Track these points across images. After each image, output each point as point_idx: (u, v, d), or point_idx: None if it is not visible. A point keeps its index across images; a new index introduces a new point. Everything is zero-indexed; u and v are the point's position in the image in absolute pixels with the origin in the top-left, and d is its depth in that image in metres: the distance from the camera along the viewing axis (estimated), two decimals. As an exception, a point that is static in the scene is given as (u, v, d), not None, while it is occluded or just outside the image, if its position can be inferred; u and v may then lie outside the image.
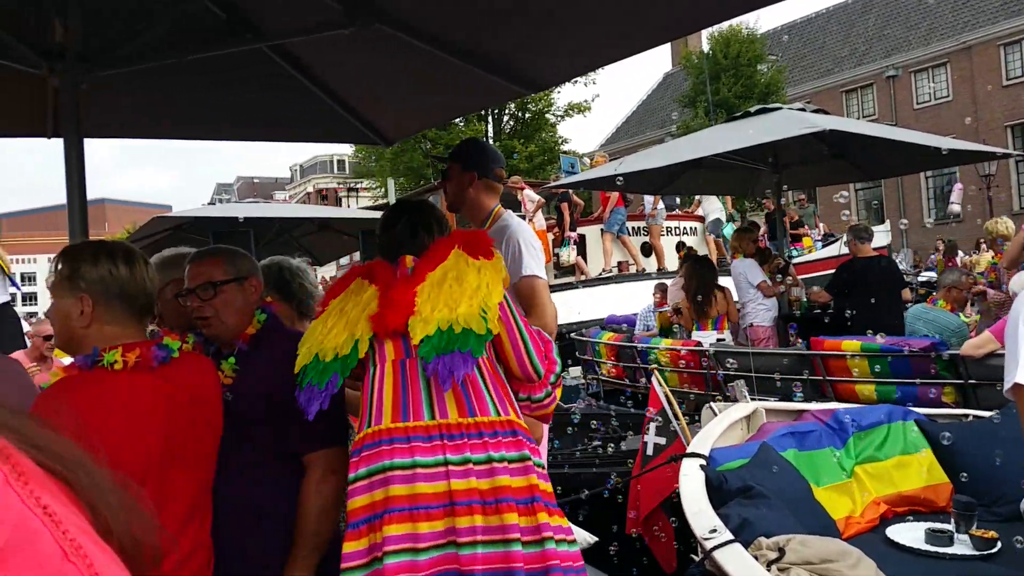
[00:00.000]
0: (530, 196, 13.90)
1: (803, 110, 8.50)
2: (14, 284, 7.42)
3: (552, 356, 2.82)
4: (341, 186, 63.92)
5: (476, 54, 3.57)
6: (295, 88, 4.25)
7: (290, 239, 10.52)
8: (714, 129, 9.81)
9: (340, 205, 54.57)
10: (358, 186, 51.82)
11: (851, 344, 6.51)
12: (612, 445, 6.38)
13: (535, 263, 3.45)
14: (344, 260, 18.04)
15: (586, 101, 30.40)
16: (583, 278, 14.47)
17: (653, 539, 4.92)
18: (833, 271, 8.59)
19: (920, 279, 17.59)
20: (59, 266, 2.35)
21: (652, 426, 5.09)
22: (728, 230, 14.84)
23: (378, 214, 12.21)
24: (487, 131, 29.40)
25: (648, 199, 14.73)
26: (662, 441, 5.03)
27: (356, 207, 38.35)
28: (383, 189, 37.93)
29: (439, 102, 4.70)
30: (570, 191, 14.43)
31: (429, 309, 2.51)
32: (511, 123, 30.87)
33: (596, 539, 4.39)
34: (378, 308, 2.61)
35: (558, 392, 2.90)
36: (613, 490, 5.14)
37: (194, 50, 3.33)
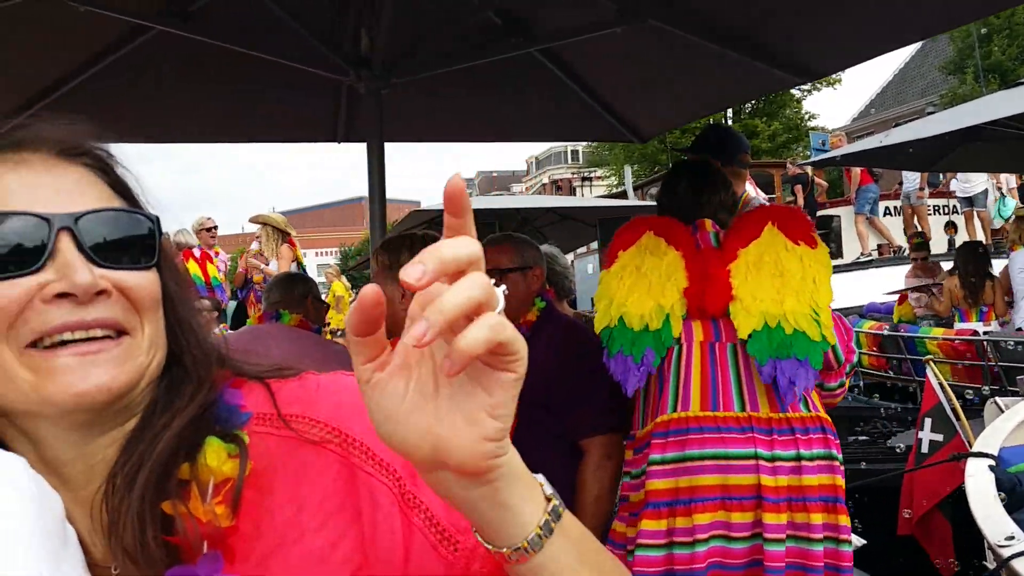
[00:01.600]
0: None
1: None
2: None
3: (851, 345, 2.69)
4: (575, 176, 64.79)
5: (750, 43, 3.50)
6: (555, 87, 4.41)
7: (531, 229, 10.93)
8: (990, 97, 8.77)
9: (574, 195, 55.34)
10: (592, 175, 52.20)
11: None
12: (880, 441, 6.00)
13: None
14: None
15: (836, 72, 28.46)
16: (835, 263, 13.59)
17: (928, 540, 4.59)
18: None
19: None
20: (380, 258, 2.68)
21: (927, 421, 4.74)
22: (1006, 208, 13.20)
23: (616, 202, 12.26)
24: (726, 112, 28.45)
25: (911, 176, 13.50)
26: (939, 438, 4.67)
27: (590, 196, 38.78)
28: (617, 178, 38.08)
29: (701, 95, 4.64)
30: (809, 171, 13.61)
31: (749, 297, 2.42)
32: (752, 101, 29.56)
33: (864, 541, 4.19)
34: (689, 282, 2.53)
35: (848, 382, 2.78)
36: (880, 489, 4.85)
37: (474, 56, 3.57)
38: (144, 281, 0.86)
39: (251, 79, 4.04)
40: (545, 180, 73.93)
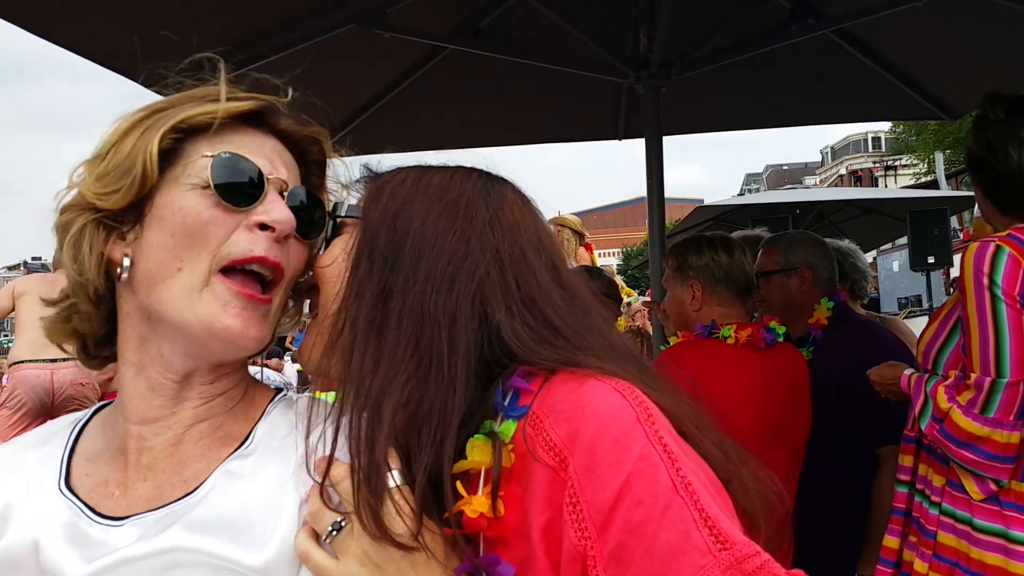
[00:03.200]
0: None
1: None
2: None
3: None
4: (877, 165, 59.71)
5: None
6: (849, 66, 4.12)
7: (829, 224, 10.22)
8: None
9: (876, 186, 51.07)
10: (896, 164, 47.84)
11: None
12: None
13: None
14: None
15: None
16: None
17: None
18: None
19: None
20: (669, 260, 2.71)
21: None
22: None
23: (927, 193, 11.02)
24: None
25: None
26: None
27: (895, 187, 35.52)
28: (926, 165, 34.45)
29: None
30: None
31: None
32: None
33: None
34: None
35: None
36: None
37: (762, 44, 3.45)
38: (302, 254, 1.08)
39: (536, 84, 4.23)
40: (842, 171, 69.10)
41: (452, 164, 1.12)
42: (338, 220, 1.11)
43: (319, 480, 0.93)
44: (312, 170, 1.15)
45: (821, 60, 4.07)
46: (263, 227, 1.00)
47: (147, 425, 1.02)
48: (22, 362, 5.74)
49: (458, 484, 0.91)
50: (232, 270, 0.99)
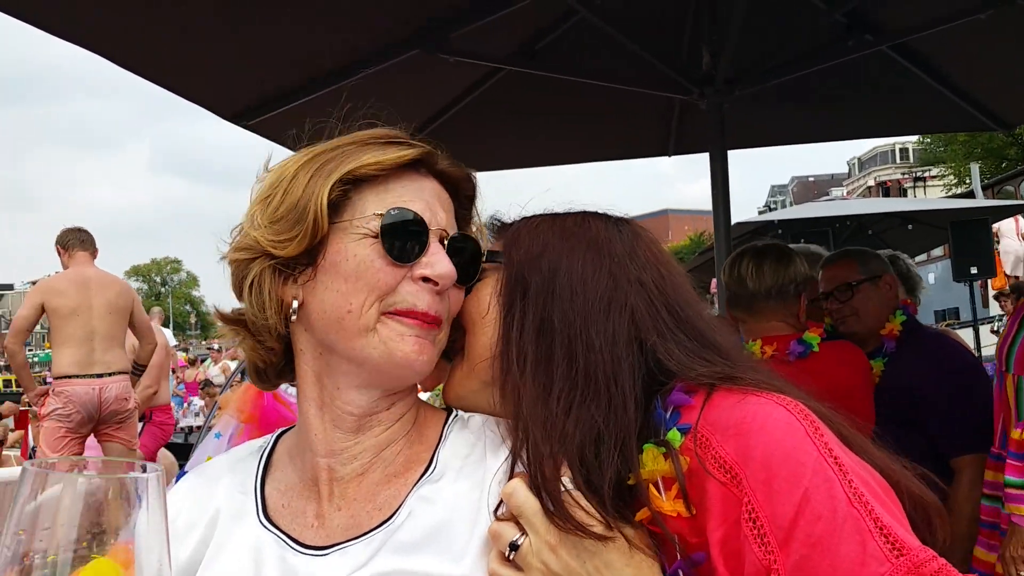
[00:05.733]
0: None
1: None
2: None
3: None
4: (905, 177, 59.14)
5: None
6: (901, 78, 4.14)
7: (870, 236, 10.15)
8: None
9: (904, 197, 50.54)
10: (926, 175, 47.38)
11: None
12: None
13: None
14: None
15: None
16: None
17: None
18: None
19: None
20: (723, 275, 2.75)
21: None
22: None
23: (968, 203, 10.87)
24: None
25: None
26: None
27: (924, 198, 35.12)
28: (956, 176, 34.06)
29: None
30: None
31: None
32: None
33: None
34: None
35: None
36: None
37: (821, 59, 3.49)
38: (460, 298, 1.14)
39: (585, 104, 4.29)
40: (870, 182, 68.51)
41: (578, 209, 1.22)
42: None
43: (498, 500, 1.00)
44: (464, 204, 1.22)
45: (874, 73, 4.10)
46: (426, 279, 1.06)
47: (334, 457, 1.09)
48: (70, 377, 5.84)
49: (651, 488, 0.96)
50: None
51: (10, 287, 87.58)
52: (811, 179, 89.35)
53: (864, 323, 3.02)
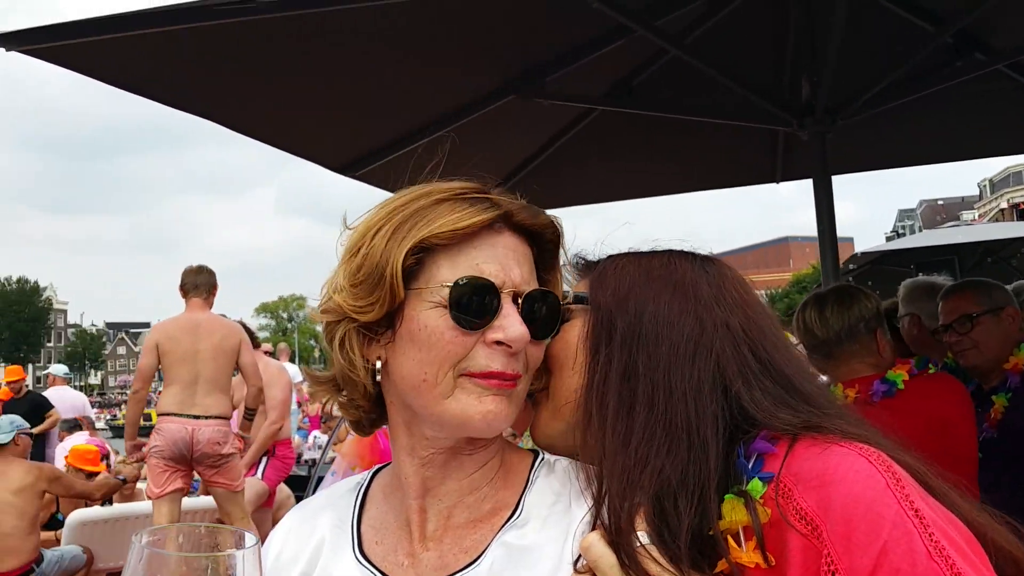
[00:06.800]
0: None
1: None
2: None
3: None
4: (1044, 197, 55.32)
5: None
6: (1017, 96, 3.95)
7: (1000, 261, 9.58)
8: None
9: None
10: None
11: None
12: None
13: None
14: None
15: None
16: None
17: None
18: None
19: None
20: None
21: None
22: None
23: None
24: None
25: None
26: None
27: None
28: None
29: None
30: None
31: None
32: None
33: None
34: None
35: None
36: None
37: (928, 83, 3.38)
38: (540, 351, 1.15)
39: (688, 133, 4.29)
40: (1003, 204, 64.43)
41: (665, 248, 1.21)
42: (565, 307, 1.19)
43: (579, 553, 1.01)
44: (547, 249, 1.19)
45: (987, 91, 3.92)
46: (499, 342, 1.07)
47: (424, 498, 1.13)
48: (168, 415, 6.07)
49: (729, 539, 0.96)
50: None
51: (147, 325, 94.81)
52: (940, 202, 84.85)
53: (985, 356, 2.88)
